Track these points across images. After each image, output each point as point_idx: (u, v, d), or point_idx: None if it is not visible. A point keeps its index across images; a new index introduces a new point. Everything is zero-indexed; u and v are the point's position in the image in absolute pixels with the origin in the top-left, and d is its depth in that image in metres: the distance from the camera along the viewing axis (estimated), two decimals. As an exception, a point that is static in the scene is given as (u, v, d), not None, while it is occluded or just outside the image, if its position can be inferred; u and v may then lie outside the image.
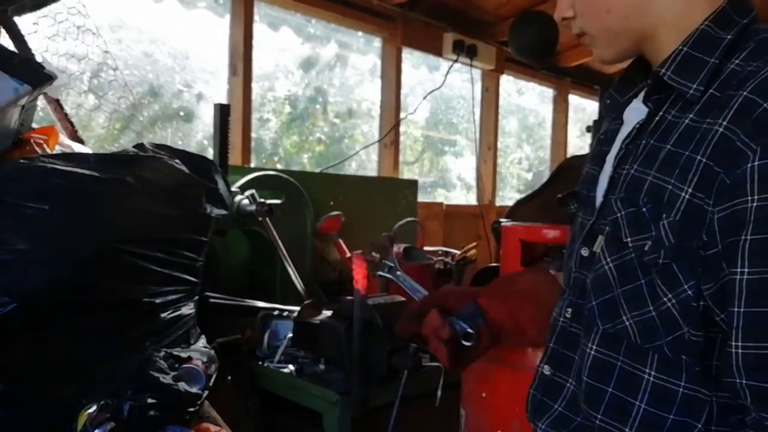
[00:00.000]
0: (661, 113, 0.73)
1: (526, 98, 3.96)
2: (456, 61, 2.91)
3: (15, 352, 1.07)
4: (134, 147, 1.39)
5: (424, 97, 2.88)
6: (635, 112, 0.79)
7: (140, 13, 2.03)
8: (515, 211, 2.20)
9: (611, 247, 0.74)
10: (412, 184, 2.59)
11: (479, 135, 3.26)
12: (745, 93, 0.63)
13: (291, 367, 1.41)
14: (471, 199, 3.44)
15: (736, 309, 0.61)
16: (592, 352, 0.76)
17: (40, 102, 1.46)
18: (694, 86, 0.68)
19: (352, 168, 2.74)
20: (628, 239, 0.72)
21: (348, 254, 1.99)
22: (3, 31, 1.47)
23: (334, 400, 1.27)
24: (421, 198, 2.74)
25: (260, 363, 1.46)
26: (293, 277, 1.81)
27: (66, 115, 1.56)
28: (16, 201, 1.12)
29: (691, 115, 0.69)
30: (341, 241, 2.06)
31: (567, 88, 3.89)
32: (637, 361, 0.71)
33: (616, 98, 0.84)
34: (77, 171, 1.18)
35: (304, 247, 1.98)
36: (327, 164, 2.61)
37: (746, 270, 0.60)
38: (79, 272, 1.12)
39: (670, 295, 0.68)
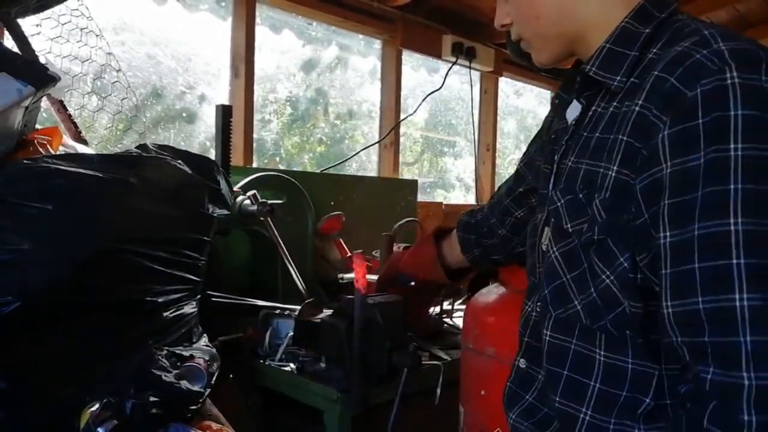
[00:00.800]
0: (593, 107, 0.78)
1: (524, 100, 3.98)
2: (455, 63, 2.92)
3: (16, 352, 1.07)
4: (137, 148, 1.40)
5: (424, 99, 2.89)
6: (574, 109, 0.84)
7: (143, 16, 2.04)
8: (514, 212, 2.21)
9: (556, 236, 0.79)
10: (412, 185, 2.60)
11: (478, 136, 3.27)
12: (655, 72, 0.67)
13: (292, 365, 1.42)
14: (470, 199, 3.46)
15: (663, 271, 0.64)
16: (548, 338, 0.80)
17: (44, 103, 1.47)
18: (618, 78, 0.73)
19: (352, 168, 2.75)
20: (568, 225, 0.76)
21: (348, 254, 2.00)
22: (6, 32, 1.47)
23: (334, 397, 1.28)
24: (421, 198, 2.75)
25: (261, 361, 1.46)
26: (294, 276, 1.82)
27: (69, 116, 1.57)
28: (20, 201, 1.12)
29: (615, 103, 0.74)
30: (342, 241, 2.07)
31: (566, 90, 3.90)
32: (589, 342, 0.74)
33: (564, 98, 0.89)
34: (80, 171, 1.19)
35: (305, 247, 1.99)
36: (328, 165, 2.62)
37: (668, 233, 0.63)
38: (82, 272, 1.13)
39: (608, 272, 0.71)
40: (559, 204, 0.78)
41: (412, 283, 1.45)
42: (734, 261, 0.57)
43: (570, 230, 0.76)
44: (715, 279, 0.58)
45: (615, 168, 0.70)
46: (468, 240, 1.28)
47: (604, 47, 0.75)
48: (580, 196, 0.74)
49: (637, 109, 0.68)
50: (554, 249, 0.79)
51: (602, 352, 0.73)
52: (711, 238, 0.59)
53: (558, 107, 0.91)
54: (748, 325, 0.56)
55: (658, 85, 0.66)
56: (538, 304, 0.85)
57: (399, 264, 1.44)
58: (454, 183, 3.59)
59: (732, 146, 0.59)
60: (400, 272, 1.45)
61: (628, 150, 0.68)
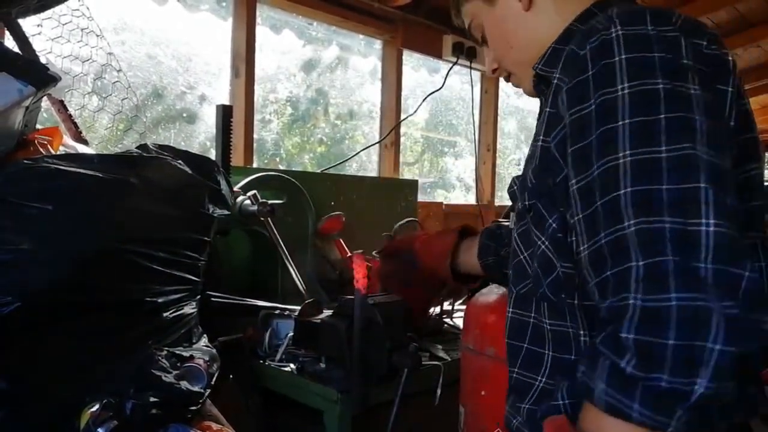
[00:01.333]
0: (548, 99, 0.83)
1: (524, 100, 3.98)
2: (456, 63, 2.92)
3: (17, 352, 1.07)
4: (137, 148, 1.40)
5: (424, 99, 2.89)
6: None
7: (143, 16, 2.04)
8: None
9: (517, 219, 0.84)
10: (413, 185, 2.60)
11: (478, 136, 3.27)
12: (571, 47, 0.71)
13: (292, 365, 1.42)
14: (470, 199, 3.46)
15: (576, 218, 0.66)
16: (510, 315, 0.83)
17: (44, 103, 1.47)
18: (557, 71, 0.77)
19: (352, 169, 2.75)
20: (519, 204, 0.81)
21: (349, 254, 2.00)
22: (7, 32, 1.48)
23: (334, 398, 1.28)
24: (421, 198, 2.75)
25: (261, 362, 1.46)
26: (294, 276, 1.83)
27: (70, 116, 1.57)
28: (20, 201, 1.12)
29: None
30: (342, 241, 2.07)
31: (566, 90, 3.90)
32: (540, 313, 0.77)
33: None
34: (81, 171, 1.19)
35: (306, 247, 1.99)
36: (328, 165, 2.62)
37: (574, 180, 0.66)
38: (82, 272, 1.13)
39: (543, 237, 0.75)
40: (515, 187, 0.84)
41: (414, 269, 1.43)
42: (621, 192, 0.59)
43: (520, 206, 0.81)
44: (611, 213, 0.60)
45: (541, 137, 0.75)
46: (487, 246, 1.30)
47: (550, 47, 0.83)
48: (528, 175, 0.79)
49: (555, 81, 0.74)
50: (515, 230, 0.84)
51: (547, 321, 0.75)
52: (605, 174, 0.61)
53: None
54: (638, 250, 0.57)
55: (565, 57, 0.72)
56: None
57: (414, 241, 1.44)
58: (454, 183, 3.59)
59: (618, 87, 0.62)
60: (410, 248, 1.44)
61: (549, 119, 0.73)
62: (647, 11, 0.66)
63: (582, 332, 0.71)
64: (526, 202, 0.76)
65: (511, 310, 0.83)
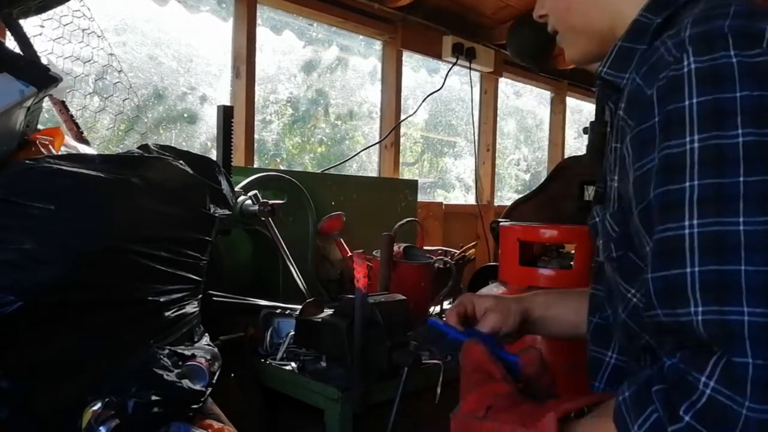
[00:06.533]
0: (617, 113, 0.72)
1: (524, 100, 3.98)
2: (455, 63, 2.93)
3: (21, 350, 1.08)
4: (139, 148, 1.41)
5: (424, 99, 2.90)
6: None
7: (144, 17, 2.05)
8: (513, 211, 2.23)
9: (601, 251, 0.75)
10: (412, 185, 2.61)
11: (478, 136, 3.28)
12: (634, 75, 0.62)
13: (293, 364, 1.43)
14: (470, 199, 3.46)
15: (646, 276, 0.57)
16: (590, 354, 0.79)
17: (46, 104, 1.48)
18: (626, 76, 0.68)
19: (353, 169, 2.76)
20: (602, 248, 0.73)
21: (349, 253, 2.00)
22: (8, 33, 1.48)
23: (335, 396, 1.29)
24: (421, 198, 2.76)
25: (263, 360, 1.47)
26: (295, 276, 1.83)
27: (71, 116, 1.58)
28: (22, 201, 1.13)
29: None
30: (342, 241, 2.08)
31: (564, 90, 3.91)
32: (638, 359, 0.72)
33: (602, 103, 0.87)
34: (82, 172, 1.19)
35: (306, 247, 2.00)
36: (328, 165, 2.63)
37: (645, 243, 0.58)
38: (83, 271, 1.13)
39: (633, 290, 0.67)
40: (596, 219, 0.76)
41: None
42: (687, 270, 0.51)
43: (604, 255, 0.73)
44: (674, 293, 0.52)
45: (616, 178, 0.66)
46: None
47: (617, 45, 0.70)
48: (605, 218, 0.72)
49: (621, 113, 0.64)
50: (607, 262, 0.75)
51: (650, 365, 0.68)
52: (664, 246, 0.53)
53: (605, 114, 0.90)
54: (712, 339, 0.50)
55: (630, 87, 0.62)
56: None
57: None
58: (454, 183, 3.59)
59: (687, 139, 0.52)
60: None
61: (622, 161, 0.64)
62: (729, 31, 0.53)
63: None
64: (613, 254, 0.67)
65: (614, 356, 0.77)
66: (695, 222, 0.51)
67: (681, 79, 0.53)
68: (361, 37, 2.77)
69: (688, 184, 0.52)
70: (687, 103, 0.53)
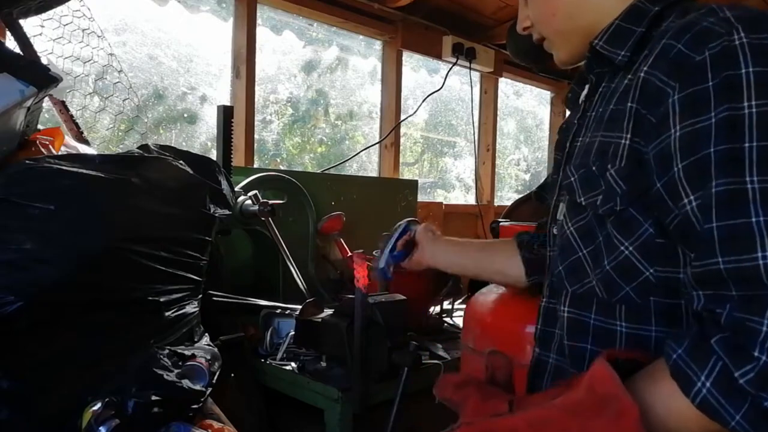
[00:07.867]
0: (603, 83, 0.79)
1: (523, 100, 3.99)
2: (455, 63, 2.93)
3: (21, 350, 1.08)
4: (139, 148, 1.41)
5: (424, 99, 2.90)
6: (585, 92, 0.85)
7: (144, 17, 2.05)
8: (513, 211, 2.22)
9: (571, 212, 0.79)
10: (413, 185, 2.61)
11: (478, 136, 3.28)
12: (664, 40, 0.66)
13: (293, 364, 1.43)
14: (470, 199, 3.46)
15: (693, 233, 0.61)
16: (566, 314, 0.80)
17: (46, 104, 1.48)
18: (622, 53, 0.74)
19: (353, 169, 2.76)
20: (581, 199, 0.76)
21: (349, 253, 2.00)
22: (8, 33, 1.48)
23: (335, 396, 1.29)
24: (421, 198, 2.76)
25: (263, 360, 1.47)
26: (295, 276, 1.83)
27: (71, 116, 1.58)
28: (22, 201, 1.13)
29: (624, 74, 0.74)
30: (342, 241, 2.08)
31: (564, 90, 3.91)
32: (609, 316, 0.74)
33: (576, 91, 0.90)
34: (83, 172, 1.20)
35: (306, 247, 2.00)
36: (328, 165, 2.63)
37: (691, 197, 0.62)
38: (84, 271, 1.14)
39: (626, 243, 0.71)
40: (572, 178, 0.78)
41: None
42: (753, 219, 0.56)
43: (583, 203, 0.76)
44: (736, 239, 0.57)
45: (628, 136, 0.69)
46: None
47: (614, 23, 0.76)
48: (593, 168, 0.74)
49: (642, 75, 0.68)
50: (569, 224, 0.79)
51: (624, 324, 0.73)
52: (727, 196, 0.58)
53: (570, 100, 0.92)
54: None
55: (664, 52, 0.65)
56: (547, 289, 0.86)
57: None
58: (454, 183, 3.59)
59: (746, 104, 0.58)
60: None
61: (637, 117, 0.68)
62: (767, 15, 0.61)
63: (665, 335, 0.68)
64: (616, 207, 0.71)
65: (566, 309, 0.80)
66: (755, 178, 0.56)
67: (735, 50, 0.60)
68: (361, 37, 2.77)
69: (747, 144, 0.57)
70: (744, 71, 0.59)
